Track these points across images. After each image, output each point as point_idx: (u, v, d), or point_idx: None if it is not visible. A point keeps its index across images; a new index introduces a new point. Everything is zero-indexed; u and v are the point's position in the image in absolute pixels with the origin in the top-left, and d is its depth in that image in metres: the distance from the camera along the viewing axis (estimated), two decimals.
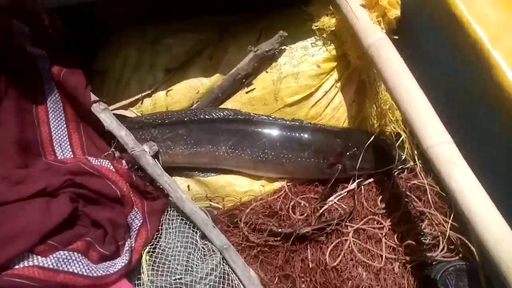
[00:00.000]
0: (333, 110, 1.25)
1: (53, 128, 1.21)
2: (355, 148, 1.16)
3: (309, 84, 1.22)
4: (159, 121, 1.22)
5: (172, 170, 1.22)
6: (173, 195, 1.07)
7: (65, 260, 0.90)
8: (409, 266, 1.04)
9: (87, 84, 1.17)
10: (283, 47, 1.24)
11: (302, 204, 1.12)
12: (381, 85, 1.17)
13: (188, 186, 1.22)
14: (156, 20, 1.37)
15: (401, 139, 1.17)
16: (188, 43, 1.32)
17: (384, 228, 1.10)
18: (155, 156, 1.17)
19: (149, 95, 1.29)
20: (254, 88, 1.24)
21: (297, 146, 1.15)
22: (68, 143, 1.22)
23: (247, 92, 1.25)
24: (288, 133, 1.16)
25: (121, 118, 1.22)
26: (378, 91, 1.19)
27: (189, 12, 1.36)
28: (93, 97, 1.17)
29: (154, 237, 1.05)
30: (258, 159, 1.15)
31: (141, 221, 1.07)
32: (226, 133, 1.16)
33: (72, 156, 1.20)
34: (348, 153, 1.15)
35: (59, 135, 1.21)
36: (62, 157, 1.19)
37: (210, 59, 1.31)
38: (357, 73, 1.25)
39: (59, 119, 1.21)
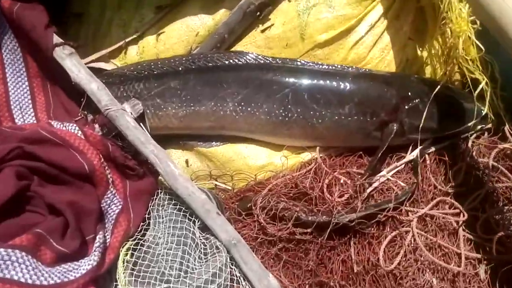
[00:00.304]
0: (382, 52, 0.90)
1: (11, 86, 0.94)
2: (417, 100, 0.81)
3: (347, 14, 0.88)
4: (146, 73, 0.92)
5: (166, 140, 0.92)
6: (161, 170, 0.77)
7: (1, 262, 0.62)
8: (501, 270, 0.71)
9: (49, 23, 0.88)
10: None
11: (341, 182, 0.79)
12: (452, 9, 0.82)
13: (187, 161, 0.92)
14: None
15: (479, 87, 0.82)
16: None
17: (461, 215, 0.77)
18: (141, 118, 0.86)
19: (135, 41, 0.98)
20: (273, 24, 0.91)
21: (334, 98, 0.82)
22: (30, 105, 0.95)
23: (263, 31, 0.92)
24: (320, 81, 0.83)
25: (98, 72, 0.92)
26: (446, 19, 0.84)
27: None
28: (57, 39, 0.87)
29: (138, 229, 0.76)
30: (278, 118, 0.83)
31: (119, 206, 0.79)
32: (234, 84, 0.84)
33: (34, 121, 0.92)
34: (406, 107, 0.81)
35: (19, 94, 0.95)
36: (22, 122, 0.92)
37: None
38: (412, 3, 0.90)
39: (18, 74, 0.95)
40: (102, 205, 0.77)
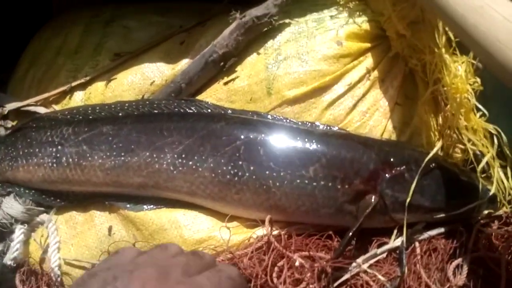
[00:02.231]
0: (363, 115, 0.75)
1: None
2: (402, 167, 0.63)
3: (322, 70, 0.75)
4: (80, 117, 0.77)
5: (90, 199, 0.74)
6: None
7: None
8: None
9: None
10: (286, 20, 0.81)
11: (298, 265, 0.57)
12: (446, 70, 0.69)
13: (110, 229, 0.72)
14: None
15: (484, 160, 0.65)
16: (155, 27, 0.92)
17: None
18: None
19: (82, 87, 0.86)
20: (238, 77, 0.79)
21: (296, 157, 0.64)
22: None
23: (226, 83, 0.79)
24: (281, 134, 0.66)
25: (30, 115, 0.79)
26: (440, 82, 0.71)
27: None
28: None
29: None
30: (226, 177, 0.65)
31: None
32: (176, 132, 0.68)
33: None
34: (388, 175, 0.62)
35: None
36: None
37: (181, 44, 0.89)
38: (403, 60, 0.78)
39: None
40: None
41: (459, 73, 0.67)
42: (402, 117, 0.76)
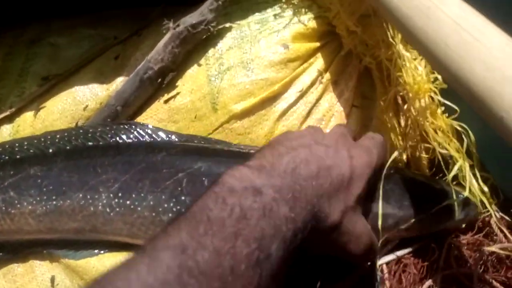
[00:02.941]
0: (319, 123, 0.69)
1: None
2: None
3: (270, 78, 0.68)
4: (6, 156, 0.69)
5: (28, 247, 0.66)
6: None
7: None
8: None
9: None
10: (227, 25, 0.73)
11: None
12: (404, 68, 0.63)
13: (52, 279, 0.64)
14: (43, 14, 0.90)
15: (456, 167, 0.59)
16: (87, 42, 0.83)
17: None
18: None
19: (10, 120, 0.77)
20: (179, 93, 0.71)
21: None
22: None
23: (166, 101, 0.71)
24: (230, 162, 0.59)
25: None
26: (400, 80, 0.65)
27: (94, 5, 0.90)
28: None
29: None
30: (168, 216, 0.58)
31: None
32: (111, 168, 0.61)
33: None
34: None
35: None
36: None
37: (115, 59, 0.80)
38: (357, 58, 0.71)
39: None
40: None
41: (419, 72, 0.60)
42: (360, 120, 0.70)
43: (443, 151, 0.61)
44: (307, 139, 0.48)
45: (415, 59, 0.65)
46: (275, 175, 0.41)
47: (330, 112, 0.69)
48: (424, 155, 0.68)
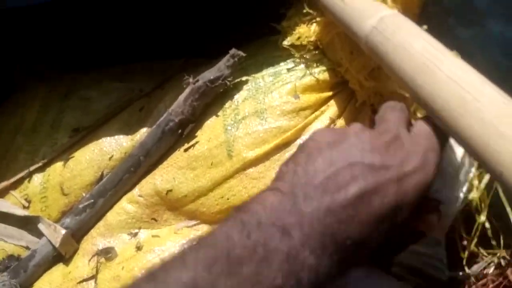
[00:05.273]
0: None
1: None
2: None
3: (283, 126, 0.72)
4: None
5: None
6: None
7: None
8: None
9: None
10: (243, 78, 0.78)
11: None
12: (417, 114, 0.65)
13: None
14: (74, 68, 0.97)
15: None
16: (115, 94, 0.90)
17: None
18: None
19: (42, 169, 0.83)
20: (197, 142, 0.75)
21: None
22: None
23: (186, 150, 0.76)
24: None
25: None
26: None
27: (120, 58, 0.97)
28: None
29: None
30: None
31: None
32: None
33: None
34: None
35: None
36: None
37: (140, 111, 0.86)
38: (368, 107, 0.74)
39: None
40: None
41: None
42: None
43: None
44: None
45: None
46: (306, 214, 0.36)
47: None
48: None
